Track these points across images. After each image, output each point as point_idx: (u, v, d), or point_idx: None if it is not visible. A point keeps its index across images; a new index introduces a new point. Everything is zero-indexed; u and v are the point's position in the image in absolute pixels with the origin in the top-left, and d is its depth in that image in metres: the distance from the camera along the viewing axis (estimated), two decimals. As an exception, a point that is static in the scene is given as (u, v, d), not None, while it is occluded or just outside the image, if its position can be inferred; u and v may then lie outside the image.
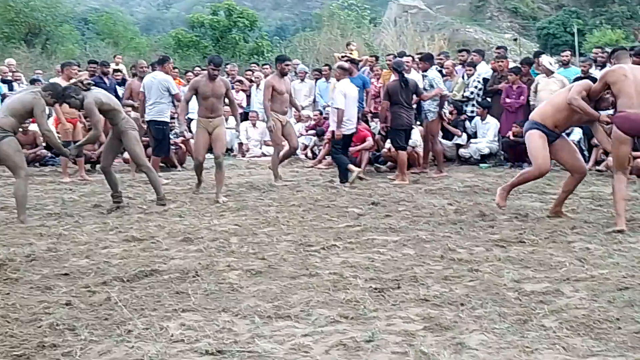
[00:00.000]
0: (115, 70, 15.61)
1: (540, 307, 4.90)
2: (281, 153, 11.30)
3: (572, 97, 7.60)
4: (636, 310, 4.78)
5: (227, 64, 18.53)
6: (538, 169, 7.88)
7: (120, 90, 13.92)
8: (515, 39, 49.19)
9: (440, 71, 13.28)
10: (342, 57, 15.95)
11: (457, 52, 16.64)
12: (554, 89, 12.49)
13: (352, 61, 13.73)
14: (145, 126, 11.39)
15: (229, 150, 15.70)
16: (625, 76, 7.24)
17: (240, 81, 16.85)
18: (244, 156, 15.56)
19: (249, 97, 16.68)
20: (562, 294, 5.23)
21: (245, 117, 15.80)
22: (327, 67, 16.39)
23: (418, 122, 12.39)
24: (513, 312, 4.81)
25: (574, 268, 5.92)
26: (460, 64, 14.28)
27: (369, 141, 12.32)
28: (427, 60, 12.08)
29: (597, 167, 11.66)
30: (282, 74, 11.19)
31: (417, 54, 14.91)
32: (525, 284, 5.53)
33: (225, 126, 10.45)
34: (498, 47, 15.37)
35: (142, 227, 7.98)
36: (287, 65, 11.45)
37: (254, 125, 15.79)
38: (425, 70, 11.91)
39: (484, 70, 13.91)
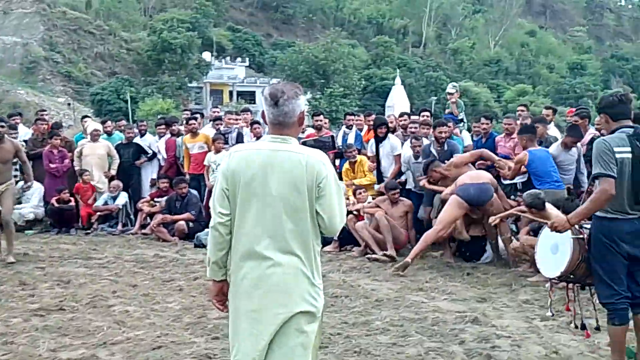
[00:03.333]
0: None
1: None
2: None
3: None
4: (166, 368, 5.00)
5: None
6: None
7: None
8: (69, 104, 48.88)
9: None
10: None
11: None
12: (101, 153, 12.70)
13: None
14: None
15: None
16: None
17: None
18: None
19: None
20: (97, 359, 5.22)
21: None
22: None
23: None
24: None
25: (112, 332, 5.98)
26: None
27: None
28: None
29: (143, 231, 12.01)
30: None
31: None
32: (62, 352, 5.42)
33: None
34: (40, 110, 15.12)
35: None
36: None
37: None
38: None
39: (24, 132, 13.45)
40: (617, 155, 4.58)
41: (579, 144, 9.07)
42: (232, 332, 3.43)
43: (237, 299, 3.39)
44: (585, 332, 5.24)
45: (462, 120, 12.35)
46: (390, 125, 11.28)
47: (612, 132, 4.77)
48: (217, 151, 11.94)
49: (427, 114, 11.65)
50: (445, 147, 9.84)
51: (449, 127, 10.25)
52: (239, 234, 3.36)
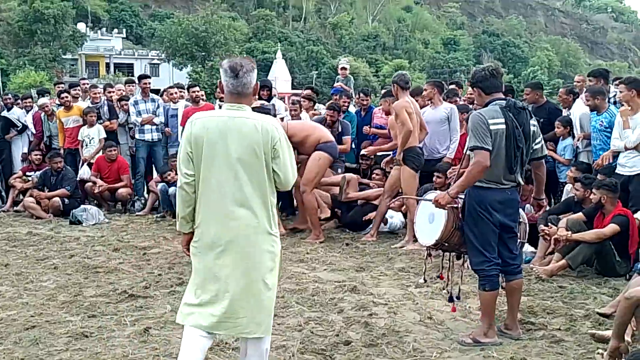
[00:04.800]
0: None
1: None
2: None
3: None
4: (41, 348, 4.87)
5: None
6: None
7: None
8: None
9: None
10: None
11: None
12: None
13: None
14: None
15: None
16: None
17: None
18: None
19: None
20: (-34, 342, 5.01)
21: None
22: None
23: None
24: None
25: (-18, 313, 5.73)
26: None
27: None
28: None
29: (15, 208, 11.51)
30: None
31: None
32: None
33: None
34: None
35: None
36: None
37: None
38: None
39: None
40: (492, 127, 4.75)
41: (450, 107, 9.23)
42: (194, 279, 3.80)
43: (202, 250, 3.75)
44: (452, 305, 5.48)
45: (351, 95, 12.55)
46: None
47: (486, 105, 4.96)
48: (90, 125, 11.63)
49: (309, 91, 11.75)
50: (339, 128, 9.99)
51: (339, 110, 10.33)
52: (204, 192, 3.71)
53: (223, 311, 3.68)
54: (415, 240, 7.21)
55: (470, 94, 10.38)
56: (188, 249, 3.92)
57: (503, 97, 4.98)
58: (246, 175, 3.66)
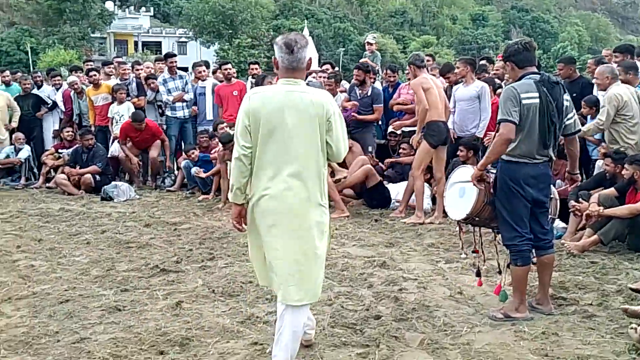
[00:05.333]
0: None
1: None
2: None
3: None
4: (75, 322, 4.94)
5: None
6: None
7: None
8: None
9: None
10: None
11: None
12: (1, 105, 12.22)
13: None
14: None
15: None
16: None
17: None
18: None
19: None
20: (2, 315, 5.09)
21: None
22: None
23: None
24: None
25: (17, 286, 5.84)
26: None
27: None
28: None
29: (48, 185, 11.66)
30: None
31: None
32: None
33: None
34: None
35: None
36: None
37: None
38: None
39: None
40: (525, 102, 4.70)
41: (482, 86, 9.16)
42: (251, 246, 4.07)
43: (258, 217, 3.88)
44: (479, 280, 5.46)
45: (378, 71, 12.49)
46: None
47: (519, 79, 4.89)
48: (120, 102, 11.69)
49: (328, 66, 11.73)
50: (369, 92, 10.02)
51: (367, 75, 10.22)
52: (260, 164, 3.84)
53: (276, 278, 3.85)
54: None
55: (497, 68, 10.32)
56: (238, 222, 4.04)
57: (536, 71, 4.92)
58: (302, 148, 3.79)
